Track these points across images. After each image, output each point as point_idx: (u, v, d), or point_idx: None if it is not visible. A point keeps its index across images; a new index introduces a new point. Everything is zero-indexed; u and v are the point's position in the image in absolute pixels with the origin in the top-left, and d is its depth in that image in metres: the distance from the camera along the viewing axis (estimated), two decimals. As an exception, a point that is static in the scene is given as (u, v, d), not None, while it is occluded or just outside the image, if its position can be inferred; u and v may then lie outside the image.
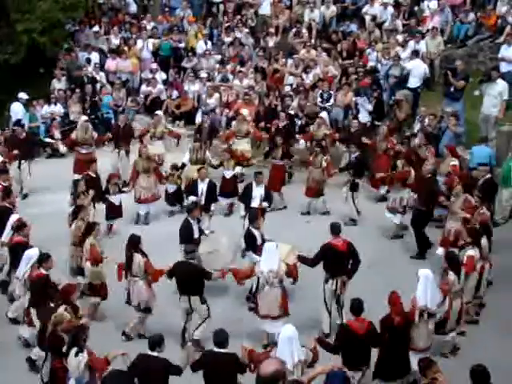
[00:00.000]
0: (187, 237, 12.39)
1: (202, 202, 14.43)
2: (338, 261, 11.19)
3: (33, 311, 10.68)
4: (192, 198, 14.38)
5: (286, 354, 8.58)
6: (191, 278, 10.97)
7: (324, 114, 17.75)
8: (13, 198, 13.35)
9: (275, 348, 9.01)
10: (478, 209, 12.64)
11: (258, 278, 11.26)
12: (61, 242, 13.04)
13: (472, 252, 11.34)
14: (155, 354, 8.83)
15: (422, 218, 13.95)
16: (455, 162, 14.64)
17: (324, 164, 15.67)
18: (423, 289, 9.95)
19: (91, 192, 13.83)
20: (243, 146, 17.18)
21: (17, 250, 11.57)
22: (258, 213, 12.93)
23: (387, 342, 9.53)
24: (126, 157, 17.31)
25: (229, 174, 15.95)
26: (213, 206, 14.76)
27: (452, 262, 10.84)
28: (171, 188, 15.79)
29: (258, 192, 14.15)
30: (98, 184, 14.82)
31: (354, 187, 15.34)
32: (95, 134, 17.15)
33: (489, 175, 14.03)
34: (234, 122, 18.14)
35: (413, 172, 14.48)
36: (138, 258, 11.22)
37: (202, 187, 14.63)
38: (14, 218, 12.25)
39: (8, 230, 12.13)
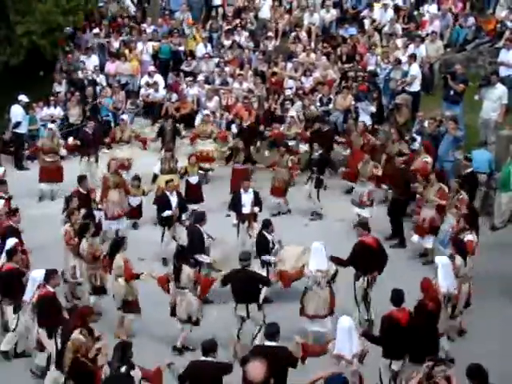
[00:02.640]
0: (201, 245, 12.48)
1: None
2: (370, 258, 11.45)
3: (42, 332, 10.19)
4: (168, 213, 13.95)
5: (346, 344, 8.84)
6: (249, 286, 10.83)
7: (294, 113, 18.02)
8: (18, 217, 12.65)
9: (333, 340, 9.10)
10: (457, 194, 13.17)
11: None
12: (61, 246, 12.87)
13: (471, 237, 11.72)
14: (209, 359, 8.76)
15: (400, 207, 14.58)
16: (428, 158, 14.93)
17: (289, 164, 15.92)
18: (443, 275, 10.40)
19: (83, 210, 13.22)
20: (208, 146, 17.36)
21: (8, 278, 10.95)
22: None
23: (422, 328, 9.64)
24: (95, 164, 17.16)
25: (194, 180, 15.80)
26: (183, 216, 14.46)
27: (458, 247, 11.17)
28: (136, 201, 15.27)
29: (247, 198, 14.16)
30: (90, 201, 14.18)
31: (318, 184, 15.75)
32: (62, 142, 17.14)
33: (471, 169, 14.31)
34: (196, 123, 18.30)
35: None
36: (187, 269, 11.11)
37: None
38: (11, 242, 11.54)
39: (4, 255, 11.44)
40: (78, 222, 12.46)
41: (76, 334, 9.08)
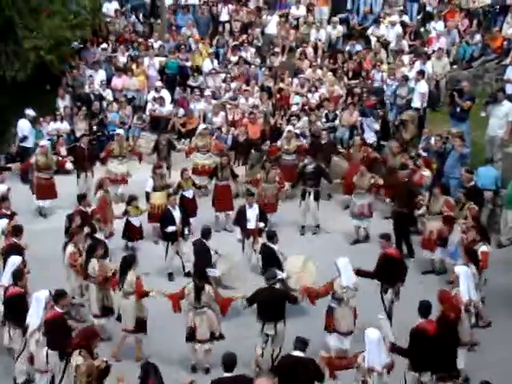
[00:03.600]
0: (207, 261, 12.47)
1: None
2: (396, 269, 11.70)
3: (52, 354, 9.96)
4: (172, 228, 13.93)
5: (376, 355, 8.96)
6: (277, 304, 10.85)
7: (291, 127, 18.03)
8: (20, 235, 12.40)
9: (361, 354, 9.17)
10: (466, 204, 13.37)
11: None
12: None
13: (485, 248, 11.94)
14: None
15: (406, 219, 14.69)
16: (427, 172, 15.36)
17: (277, 179, 15.90)
18: (465, 284, 10.55)
19: (86, 229, 13.10)
20: (206, 160, 17.33)
21: (14, 303, 10.70)
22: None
23: (449, 339, 9.81)
24: (91, 179, 17.04)
25: (189, 194, 15.73)
26: (186, 230, 14.44)
27: (472, 257, 11.41)
28: (136, 221, 14.92)
29: (252, 213, 14.19)
30: (91, 220, 13.88)
31: (317, 196, 15.87)
32: (55, 158, 17.07)
33: (473, 182, 14.44)
34: (194, 137, 18.29)
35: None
36: (208, 288, 11.06)
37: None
38: (16, 260, 11.30)
39: (8, 275, 11.08)
40: (87, 243, 12.35)
41: (77, 357, 8.98)
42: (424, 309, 9.77)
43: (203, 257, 12.54)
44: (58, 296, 10.20)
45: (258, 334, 10.95)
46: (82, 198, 14.34)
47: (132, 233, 14.93)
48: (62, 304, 10.17)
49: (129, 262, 11.44)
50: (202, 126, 18.29)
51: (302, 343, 9.33)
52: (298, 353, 9.27)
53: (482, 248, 11.89)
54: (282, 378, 8.90)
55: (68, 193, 16.47)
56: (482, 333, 11.56)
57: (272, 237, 12.70)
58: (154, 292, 11.34)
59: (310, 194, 15.84)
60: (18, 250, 11.96)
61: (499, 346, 11.35)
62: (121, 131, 18.23)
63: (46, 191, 16.60)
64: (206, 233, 12.85)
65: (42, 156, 16.58)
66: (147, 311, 11.42)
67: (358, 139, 17.18)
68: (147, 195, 15.48)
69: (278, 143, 17.88)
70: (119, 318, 11.52)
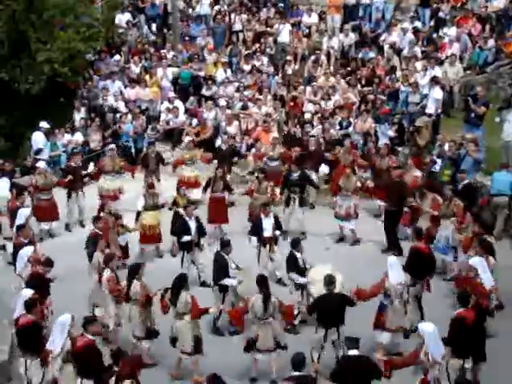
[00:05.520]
0: (225, 271, 12.41)
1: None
2: (425, 263, 12.19)
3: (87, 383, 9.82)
4: (187, 238, 13.96)
5: (436, 347, 9.35)
6: (339, 309, 10.99)
7: (276, 134, 18.23)
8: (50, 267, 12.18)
9: (421, 349, 9.48)
10: (453, 201, 14.04)
11: None
12: (80, 275, 12.93)
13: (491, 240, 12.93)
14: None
15: (394, 218, 15.09)
16: (417, 172, 15.76)
17: (269, 190, 15.98)
18: (486, 272, 11.30)
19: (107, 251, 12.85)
20: (193, 172, 17.39)
21: (27, 332, 10.35)
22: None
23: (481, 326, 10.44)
24: (82, 197, 16.98)
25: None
26: (202, 241, 14.44)
27: (487, 248, 12.11)
28: (124, 240, 14.66)
29: (268, 222, 14.17)
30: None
31: (302, 203, 16.04)
32: (55, 179, 16.82)
33: (467, 180, 15.11)
34: (177, 150, 18.49)
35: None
36: (272, 299, 11.03)
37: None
38: (27, 293, 10.99)
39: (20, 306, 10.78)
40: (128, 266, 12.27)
41: None
42: (463, 298, 10.30)
43: (221, 268, 12.44)
44: (88, 322, 10.06)
45: (316, 341, 11.00)
46: (95, 220, 13.95)
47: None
48: (93, 331, 10.00)
49: (181, 283, 11.30)
50: (187, 139, 18.40)
51: (354, 342, 9.54)
52: (354, 351, 9.45)
53: (490, 239, 12.78)
54: (344, 379, 9.23)
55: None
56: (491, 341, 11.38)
57: (296, 245, 12.74)
58: (213, 309, 11.50)
59: (294, 200, 15.88)
60: (41, 281, 11.81)
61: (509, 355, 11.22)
62: (112, 146, 17.97)
63: (47, 213, 16.34)
64: (225, 245, 12.79)
65: (40, 177, 16.33)
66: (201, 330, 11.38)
67: (348, 142, 17.27)
68: (138, 214, 15.23)
69: (262, 149, 17.93)
70: (173, 342, 11.30)
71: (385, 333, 11.35)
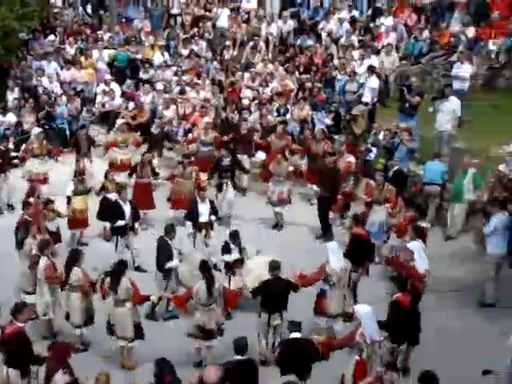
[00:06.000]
0: (169, 257, 12.26)
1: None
2: (366, 249, 12.68)
3: (13, 372, 9.56)
4: (121, 223, 13.82)
5: (373, 328, 9.45)
6: (283, 294, 11.03)
7: (208, 119, 18.24)
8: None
9: (358, 329, 9.50)
10: (385, 186, 14.27)
11: None
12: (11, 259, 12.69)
13: (425, 224, 13.31)
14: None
15: (327, 203, 15.21)
16: (351, 158, 16.07)
17: (194, 175, 16.02)
18: (421, 257, 11.58)
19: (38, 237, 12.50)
20: (126, 155, 17.21)
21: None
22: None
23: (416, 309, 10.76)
24: (10, 179, 16.71)
25: (113, 197, 14.97)
26: (136, 225, 14.41)
27: (419, 233, 12.37)
28: (55, 225, 14.16)
29: (204, 208, 14.12)
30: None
31: (233, 187, 16.21)
32: None
33: (397, 167, 15.29)
34: (111, 133, 18.23)
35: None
36: (217, 283, 11.10)
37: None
38: None
39: None
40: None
41: (62, 375, 8.78)
42: (400, 283, 10.64)
43: (165, 253, 12.33)
44: (18, 310, 9.81)
45: (262, 325, 11.04)
46: (25, 205, 13.59)
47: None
48: (22, 318, 9.77)
49: (121, 269, 11.15)
50: (119, 121, 18.19)
51: (297, 325, 9.71)
52: (296, 334, 9.60)
53: (424, 224, 13.07)
54: (287, 361, 9.38)
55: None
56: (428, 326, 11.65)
57: (235, 238, 12.74)
58: (154, 296, 11.33)
59: (226, 185, 15.99)
60: None
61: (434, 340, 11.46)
62: (38, 129, 17.69)
63: None
64: (169, 230, 12.64)
65: None
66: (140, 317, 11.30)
67: (280, 128, 17.30)
68: (68, 199, 14.98)
69: (195, 134, 17.94)
70: (109, 328, 11.11)
71: (324, 318, 11.44)
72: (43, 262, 11.60)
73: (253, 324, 11.29)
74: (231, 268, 12.67)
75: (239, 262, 12.66)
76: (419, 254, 11.61)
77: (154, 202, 16.04)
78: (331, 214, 15.20)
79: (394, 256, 12.83)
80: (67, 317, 11.56)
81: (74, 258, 11.53)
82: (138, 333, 11.09)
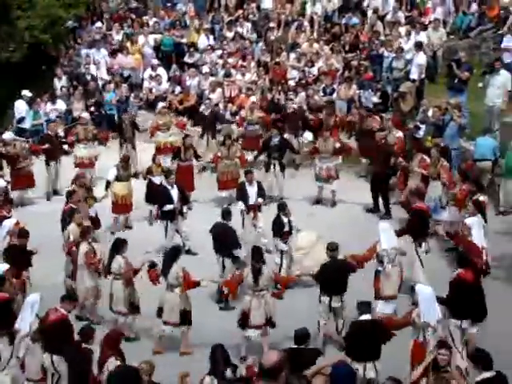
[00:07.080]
0: (233, 242, 12.41)
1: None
2: (427, 223, 12.59)
3: (57, 359, 9.60)
4: (170, 207, 13.86)
5: (431, 311, 9.28)
6: (342, 276, 10.86)
7: (254, 99, 18.25)
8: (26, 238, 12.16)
9: (414, 310, 9.49)
10: (440, 161, 14.05)
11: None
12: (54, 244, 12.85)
13: (483, 198, 12.92)
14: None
15: (383, 179, 15.17)
16: (400, 133, 15.71)
17: (238, 154, 16.04)
18: (479, 233, 11.60)
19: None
20: (168, 138, 17.26)
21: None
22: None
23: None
24: (59, 166, 17.06)
25: (158, 180, 15.22)
26: (184, 209, 14.29)
27: (478, 207, 12.30)
28: (94, 210, 14.03)
29: (252, 190, 14.15)
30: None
31: (282, 168, 16.11)
32: (26, 145, 16.82)
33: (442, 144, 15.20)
34: (154, 116, 18.30)
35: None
36: (266, 269, 10.92)
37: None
38: (2, 267, 10.98)
39: None
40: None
41: (114, 361, 8.88)
42: (462, 259, 10.42)
43: (228, 238, 12.40)
44: (65, 298, 10.13)
45: (323, 308, 10.87)
46: (70, 194, 13.78)
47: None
48: (67, 307, 10.00)
49: (175, 255, 11.24)
50: (160, 105, 18.27)
51: (366, 306, 9.49)
52: (366, 316, 9.41)
53: (482, 198, 12.80)
54: (358, 343, 9.21)
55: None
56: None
57: (283, 208, 12.82)
58: (205, 281, 11.22)
59: (274, 166, 15.99)
60: (17, 252, 11.80)
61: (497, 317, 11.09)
62: (85, 114, 17.97)
63: (24, 181, 16.42)
64: (226, 213, 12.72)
65: (11, 147, 16.35)
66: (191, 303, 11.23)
67: (330, 106, 17.38)
68: (107, 184, 15.14)
69: (242, 113, 17.95)
70: (160, 312, 11.14)
71: (382, 302, 11.10)
72: (83, 247, 11.78)
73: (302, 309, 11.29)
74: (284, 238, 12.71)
75: (287, 233, 12.73)
76: (479, 229, 11.61)
77: (194, 185, 16.07)
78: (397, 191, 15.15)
79: (450, 232, 12.83)
80: (111, 305, 11.63)
81: (117, 246, 11.64)
82: (185, 319, 11.05)
